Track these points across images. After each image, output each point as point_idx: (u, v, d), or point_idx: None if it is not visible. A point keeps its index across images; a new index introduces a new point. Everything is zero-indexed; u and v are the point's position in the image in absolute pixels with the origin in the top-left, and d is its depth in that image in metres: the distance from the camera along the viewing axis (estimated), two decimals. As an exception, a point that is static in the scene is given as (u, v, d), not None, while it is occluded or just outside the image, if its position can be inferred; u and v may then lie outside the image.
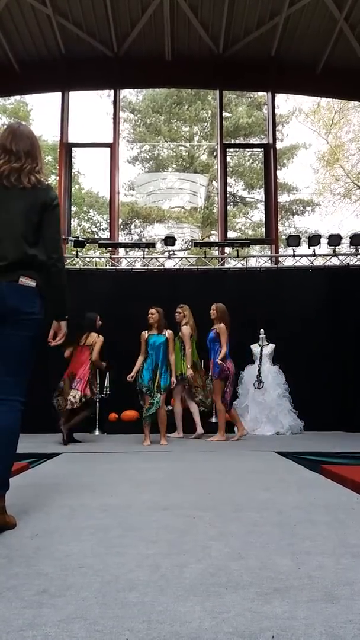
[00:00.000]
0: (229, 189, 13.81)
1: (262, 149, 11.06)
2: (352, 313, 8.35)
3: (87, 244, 9.73)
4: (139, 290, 8.12)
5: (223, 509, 2.51)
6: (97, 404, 7.68)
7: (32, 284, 2.19)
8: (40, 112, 18.43)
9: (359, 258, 8.83)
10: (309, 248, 8.78)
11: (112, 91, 10.44)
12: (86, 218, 16.72)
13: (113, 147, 10.01)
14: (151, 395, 5.84)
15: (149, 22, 9.43)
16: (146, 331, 6.15)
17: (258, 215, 15.52)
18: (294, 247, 8.79)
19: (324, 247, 8.85)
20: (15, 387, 2.18)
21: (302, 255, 8.91)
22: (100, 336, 6.42)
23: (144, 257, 9.07)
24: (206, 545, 1.90)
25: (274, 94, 10.43)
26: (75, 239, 8.77)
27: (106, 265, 9.36)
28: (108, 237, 10.17)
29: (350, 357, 8.27)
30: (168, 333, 6.13)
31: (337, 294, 8.47)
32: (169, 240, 8.84)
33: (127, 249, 10.44)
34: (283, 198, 15.70)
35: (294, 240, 8.76)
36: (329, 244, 8.70)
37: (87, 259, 9.26)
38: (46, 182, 2.34)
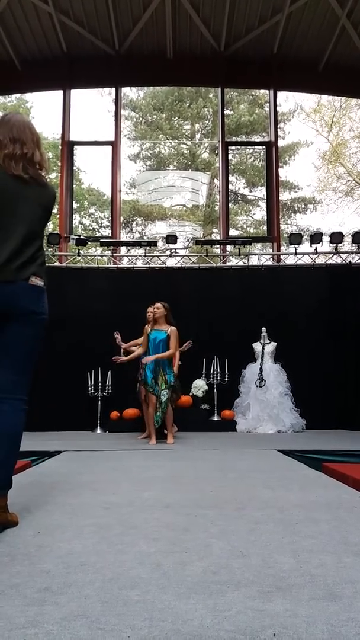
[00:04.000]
0: (230, 186, 13.79)
1: (264, 147, 11.04)
2: (354, 311, 8.34)
3: (89, 242, 9.73)
4: (140, 289, 8.12)
5: (225, 507, 2.51)
6: (99, 402, 7.71)
7: (41, 283, 2.17)
8: (41, 109, 18.45)
9: (361, 256, 8.83)
10: (311, 246, 8.78)
11: (114, 89, 10.43)
12: (87, 215, 16.72)
13: (115, 145, 10.00)
14: (155, 394, 5.70)
15: (150, 20, 9.41)
16: (149, 325, 5.94)
17: (260, 213, 15.51)
18: (296, 245, 8.78)
19: (325, 245, 8.84)
20: (20, 386, 2.17)
21: (303, 254, 8.90)
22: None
23: (145, 255, 9.07)
24: (208, 543, 1.90)
25: (275, 91, 10.41)
26: (77, 237, 8.78)
27: (108, 264, 9.36)
28: (110, 235, 10.17)
29: (351, 356, 8.27)
30: (171, 329, 5.83)
31: (339, 292, 8.46)
32: (171, 239, 8.83)
33: (129, 247, 10.44)
34: (285, 196, 15.69)
35: (295, 238, 8.76)
36: (331, 242, 8.69)
37: (89, 257, 9.26)
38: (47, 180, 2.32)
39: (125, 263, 9.29)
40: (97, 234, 14.85)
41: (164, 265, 9.17)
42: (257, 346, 8.10)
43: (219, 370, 7.79)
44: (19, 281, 2.11)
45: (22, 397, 2.18)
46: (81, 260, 8.85)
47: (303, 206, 16.58)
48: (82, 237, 8.94)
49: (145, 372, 5.82)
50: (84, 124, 12.72)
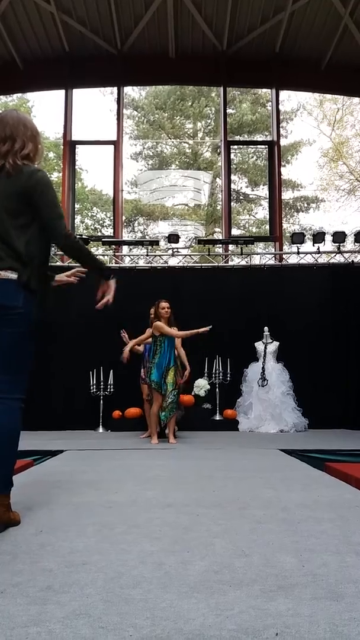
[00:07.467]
0: (232, 186, 13.78)
1: (266, 146, 11.02)
2: (357, 310, 8.32)
3: (91, 242, 9.74)
4: (142, 288, 8.10)
5: (227, 506, 2.51)
6: (101, 401, 7.71)
7: (13, 276, 2.10)
8: (42, 108, 18.45)
9: (364, 255, 8.81)
10: (313, 245, 8.76)
11: (116, 88, 10.42)
12: (89, 215, 16.72)
13: (117, 144, 9.99)
14: (162, 393, 5.69)
15: (152, 19, 9.40)
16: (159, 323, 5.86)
17: (262, 212, 15.51)
18: (298, 245, 8.76)
19: (328, 245, 8.82)
20: (13, 385, 2.13)
21: (306, 253, 8.88)
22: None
23: (147, 255, 9.07)
24: (210, 542, 1.90)
25: (278, 90, 10.39)
26: (79, 236, 8.78)
27: (110, 263, 9.36)
28: (112, 234, 10.17)
29: (354, 355, 8.25)
30: (174, 329, 5.87)
31: (342, 292, 8.44)
32: (173, 238, 8.83)
33: (131, 247, 10.44)
34: (287, 195, 15.67)
35: (298, 238, 8.74)
36: (334, 241, 8.67)
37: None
38: (30, 166, 2.20)
39: (127, 262, 9.29)
40: (99, 234, 14.86)
41: (166, 265, 9.16)
42: (259, 345, 8.09)
43: (221, 369, 7.79)
44: None
45: (16, 395, 2.14)
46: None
47: (305, 205, 16.56)
48: (84, 236, 8.95)
49: (154, 370, 5.77)
50: (86, 123, 12.75)
